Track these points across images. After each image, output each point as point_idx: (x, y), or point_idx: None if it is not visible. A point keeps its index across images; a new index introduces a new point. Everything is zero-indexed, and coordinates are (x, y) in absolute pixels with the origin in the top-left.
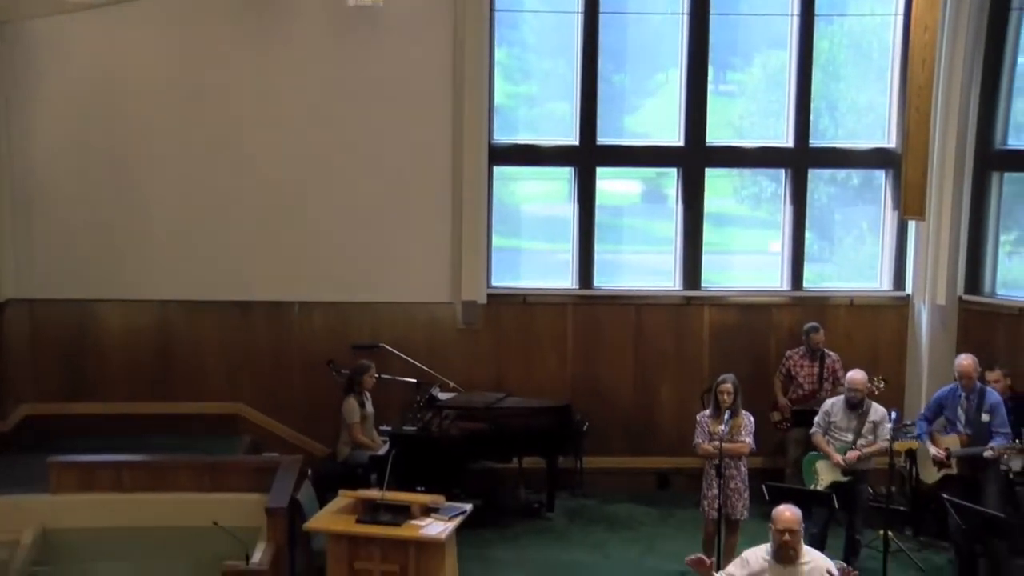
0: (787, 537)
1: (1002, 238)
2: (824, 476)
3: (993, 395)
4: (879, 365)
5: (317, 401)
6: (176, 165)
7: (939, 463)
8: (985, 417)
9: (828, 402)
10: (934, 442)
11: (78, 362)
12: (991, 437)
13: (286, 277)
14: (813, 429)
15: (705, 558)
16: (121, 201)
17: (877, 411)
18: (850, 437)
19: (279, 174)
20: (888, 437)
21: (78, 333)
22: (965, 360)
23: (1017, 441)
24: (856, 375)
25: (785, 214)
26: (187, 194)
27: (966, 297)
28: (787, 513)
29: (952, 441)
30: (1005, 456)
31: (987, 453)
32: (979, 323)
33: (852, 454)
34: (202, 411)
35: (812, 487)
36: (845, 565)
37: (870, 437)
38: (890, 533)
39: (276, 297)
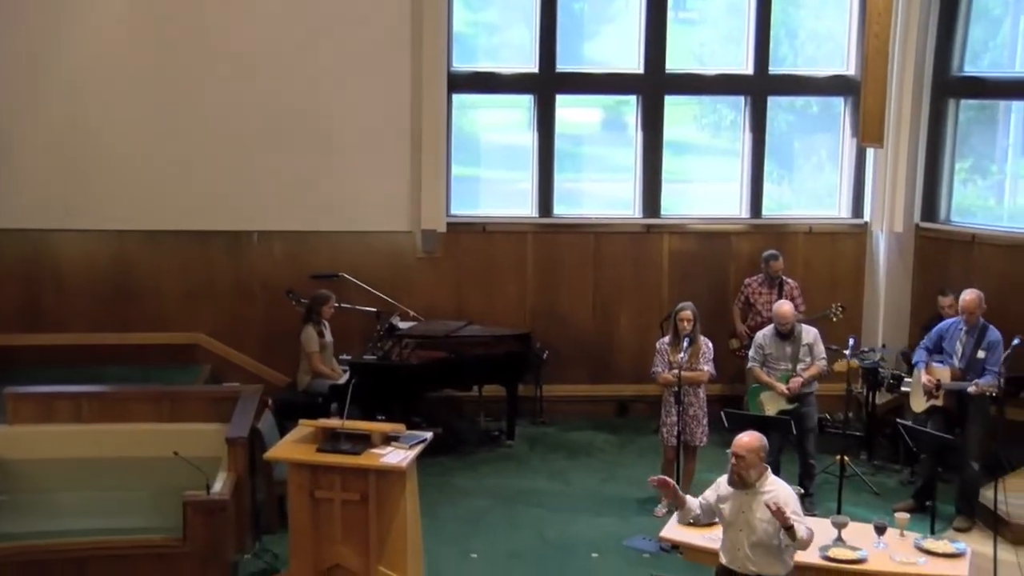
0: (733, 460)
1: (957, 165)
2: (770, 406)
3: (994, 333)
4: (837, 292)
5: (277, 331)
6: (134, 95)
7: (927, 392)
8: (981, 354)
9: (759, 335)
10: (928, 372)
11: (35, 292)
12: (983, 374)
13: (245, 206)
14: (750, 364)
15: (669, 479)
16: (78, 130)
17: (808, 333)
18: (788, 365)
19: (238, 103)
20: (824, 355)
21: (34, 263)
22: (968, 295)
23: (990, 379)
24: (783, 307)
25: (744, 142)
26: (145, 124)
27: (922, 224)
28: (744, 439)
29: (943, 373)
30: (988, 392)
31: (971, 388)
32: (934, 250)
33: (795, 381)
34: (161, 341)
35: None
36: (801, 489)
37: (807, 360)
38: (845, 458)
39: (235, 227)
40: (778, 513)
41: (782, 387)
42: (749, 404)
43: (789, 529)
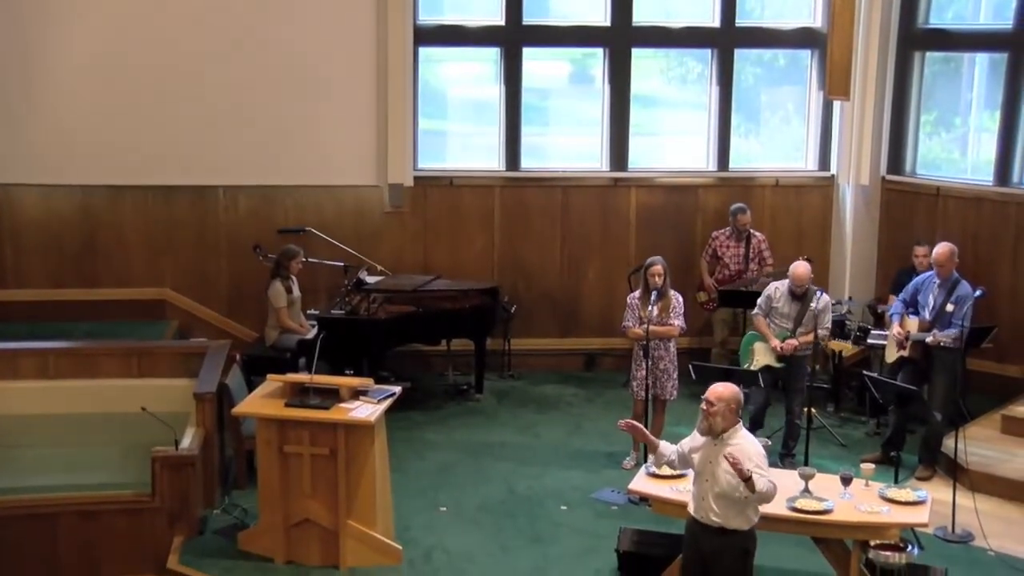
0: (703, 406)
1: (923, 118)
2: (760, 358)
3: (965, 288)
4: (804, 245)
5: (244, 286)
6: (95, 47)
7: (898, 344)
8: (950, 307)
9: (772, 286)
10: (901, 324)
11: None
12: (950, 327)
13: (211, 161)
14: (755, 311)
15: (638, 423)
16: (39, 84)
17: (822, 300)
18: (791, 325)
19: (202, 56)
20: (828, 326)
21: None
22: (940, 249)
23: (955, 332)
24: (799, 269)
25: (711, 95)
26: (107, 77)
27: (888, 177)
28: (718, 387)
29: (914, 325)
30: (942, 343)
31: (928, 339)
32: (900, 202)
33: (790, 343)
34: (128, 297)
35: (746, 366)
36: (768, 441)
37: (810, 325)
38: (813, 410)
39: (201, 181)
40: (734, 465)
41: (776, 341)
42: (742, 350)
43: (747, 481)
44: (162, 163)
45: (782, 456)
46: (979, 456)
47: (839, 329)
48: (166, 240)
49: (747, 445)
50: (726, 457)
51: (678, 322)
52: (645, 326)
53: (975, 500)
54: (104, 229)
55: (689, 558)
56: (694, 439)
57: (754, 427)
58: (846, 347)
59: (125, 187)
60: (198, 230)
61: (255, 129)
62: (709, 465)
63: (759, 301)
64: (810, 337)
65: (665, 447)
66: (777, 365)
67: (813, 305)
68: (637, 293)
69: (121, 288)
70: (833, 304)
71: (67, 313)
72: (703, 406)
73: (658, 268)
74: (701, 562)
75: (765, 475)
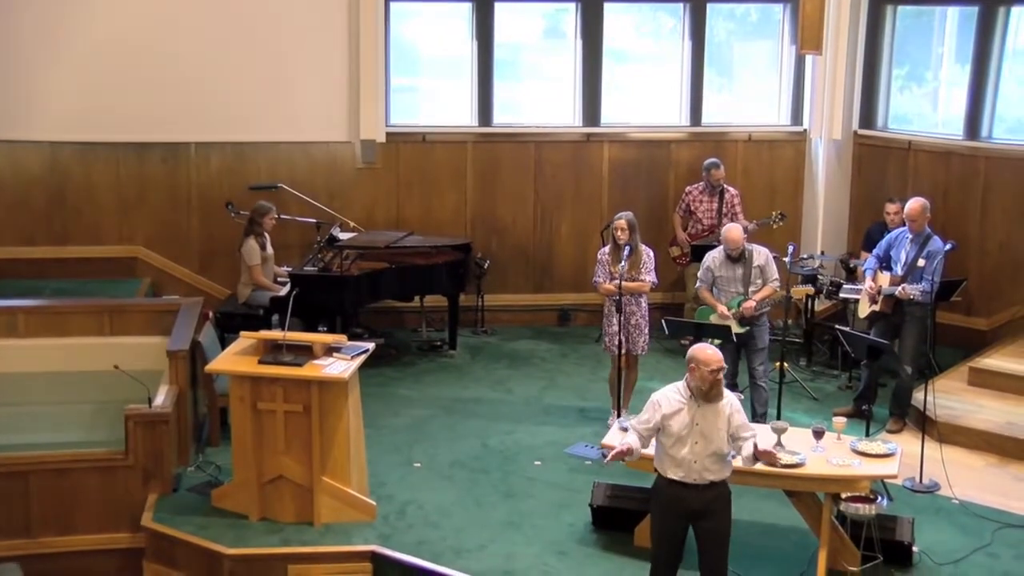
0: (720, 376)
1: (894, 72)
2: None
3: (936, 243)
4: (776, 199)
5: (216, 243)
6: (64, 4)
7: (871, 298)
8: (921, 262)
9: (708, 257)
10: (873, 279)
11: None
12: (920, 281)
13: (182, 117)
14: (698, 284)
15: (622, 450)
16: (5, 38)
17: (760, 254)
18: (739, 288)
19: (174, 12)
20: (776, 276)
21: None
22: (912, 203)
23: (926, 287)
24: (732, 232)
25: (684, 49)
26: (76, 33)
27: (860, 131)
28: (707, 351)
29: (886, 280)
30: (911, 297)
31: (897, 291)
32: (872, 157)
33: (747, 305)
34: (100, 255)
35: (709, 341)
36: (741, 395)
37: (759, 282)
38: (785, 364)
39: (172, 138)
40: (770, 456)
41: (723, 308)
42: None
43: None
44: (133, 120)
45: (752, 418)
46: (947, 408)
47: (811, 283)
48: (138, 197)
49: (731, 397)
50: (758, 456)
51: (649, 277)
52: (616, 281)
53: (942, 451)
54: (74, 186)
55: (671, 521)
56: (661, 407)
57: (731, 387)
58: (808, 291)
59: (96, 143)
60: (170, 187)
61: (227, 86)
62: (696, 426)
63: (699, 275)
64: (765, 291)
65: (634, 445)
66: (741, 330)
67: (756, 263)
68: (607, 248)
69: (92, 245)
70: (805, 259)
71: (37, 271)
72: (719, 376)
73: (622, 223)
74: (687, 521)
75: (751, 430)
